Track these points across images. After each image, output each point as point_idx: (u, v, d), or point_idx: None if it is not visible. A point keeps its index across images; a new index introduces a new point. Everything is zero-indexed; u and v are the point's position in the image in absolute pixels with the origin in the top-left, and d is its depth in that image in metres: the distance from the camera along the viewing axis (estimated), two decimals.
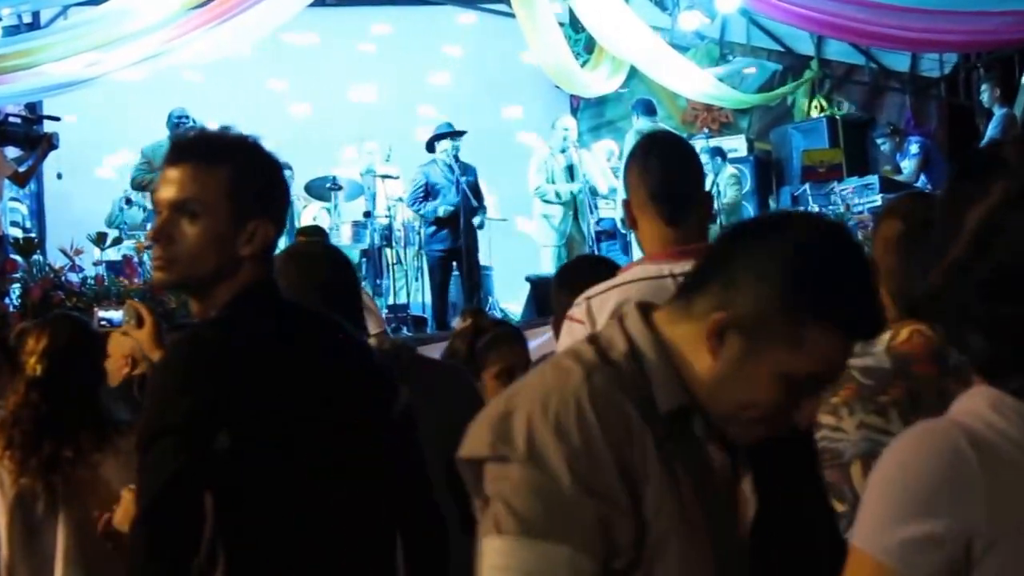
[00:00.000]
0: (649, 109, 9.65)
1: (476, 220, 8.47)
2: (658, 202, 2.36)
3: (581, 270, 2.97)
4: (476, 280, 8.47)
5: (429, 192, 8.42)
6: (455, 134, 8.47)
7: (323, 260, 2.64)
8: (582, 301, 2.35)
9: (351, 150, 9.79)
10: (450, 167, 8.36)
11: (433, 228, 8.41)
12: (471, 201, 8.34)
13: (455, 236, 8.28)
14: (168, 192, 1.88)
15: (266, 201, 1.93)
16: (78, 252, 7.50)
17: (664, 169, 2.37)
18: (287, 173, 9.95)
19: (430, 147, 8.56)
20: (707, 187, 9.69)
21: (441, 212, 8.27)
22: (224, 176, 1.87)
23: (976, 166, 1.43)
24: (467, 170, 8.53)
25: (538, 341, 5.44)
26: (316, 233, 5.82)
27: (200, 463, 1.75)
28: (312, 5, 9.27)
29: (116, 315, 2.83)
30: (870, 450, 1.85)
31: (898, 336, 1.95)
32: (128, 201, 9.02)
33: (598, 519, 1.23)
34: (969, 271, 1.15)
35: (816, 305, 1.28)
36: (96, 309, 2.99)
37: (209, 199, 1.86)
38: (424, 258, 8.84)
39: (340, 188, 8.81)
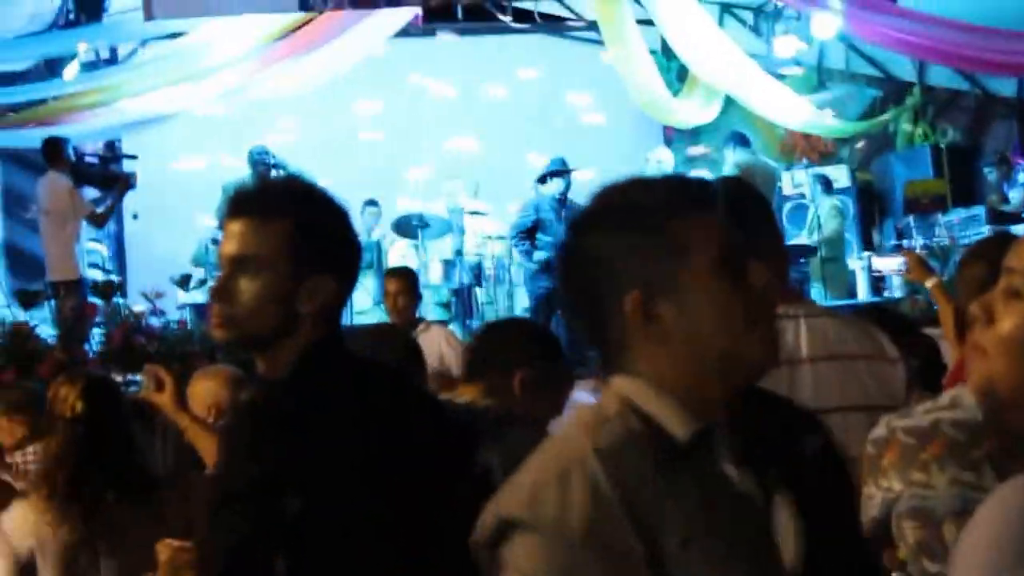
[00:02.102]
0: (743, 141, 9.27)
1: None
2: None
3: None
4: None
5: (537, 225, 8.04)
6: (567, 171, 8.12)
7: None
8: None
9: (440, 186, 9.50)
10: (559, 202, 8.02)
11: (537, 266, 8.01)
12: None
13: None
14: (228, 247, 1.83)
15: (328, 255, 1.85)
16: (158, 295, 7.24)
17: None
18: (373, 210, 9.60)
19: (542, 181, 8.23)
20: (807, 220, 9.32)
21: (543, 256, 7.91)
22: (282, 231, 1.80)
23: None
24: (575, 209, 8.14)
25: None
26: (404, 275, 5.75)
27: (268, 528, 1.72)
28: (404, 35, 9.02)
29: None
30: (963, 507, 1.77)
31: None
32: (215, 241, 8.76)
33: None
34: None
35: (649, 217, 1.29)
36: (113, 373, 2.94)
37: (267, 255, 1.80)
38: (516, 298, 8.48)
39: (427, 225, 8.51)
